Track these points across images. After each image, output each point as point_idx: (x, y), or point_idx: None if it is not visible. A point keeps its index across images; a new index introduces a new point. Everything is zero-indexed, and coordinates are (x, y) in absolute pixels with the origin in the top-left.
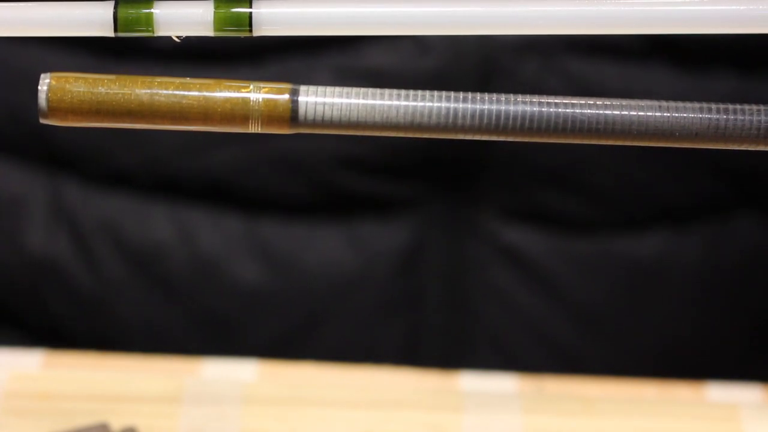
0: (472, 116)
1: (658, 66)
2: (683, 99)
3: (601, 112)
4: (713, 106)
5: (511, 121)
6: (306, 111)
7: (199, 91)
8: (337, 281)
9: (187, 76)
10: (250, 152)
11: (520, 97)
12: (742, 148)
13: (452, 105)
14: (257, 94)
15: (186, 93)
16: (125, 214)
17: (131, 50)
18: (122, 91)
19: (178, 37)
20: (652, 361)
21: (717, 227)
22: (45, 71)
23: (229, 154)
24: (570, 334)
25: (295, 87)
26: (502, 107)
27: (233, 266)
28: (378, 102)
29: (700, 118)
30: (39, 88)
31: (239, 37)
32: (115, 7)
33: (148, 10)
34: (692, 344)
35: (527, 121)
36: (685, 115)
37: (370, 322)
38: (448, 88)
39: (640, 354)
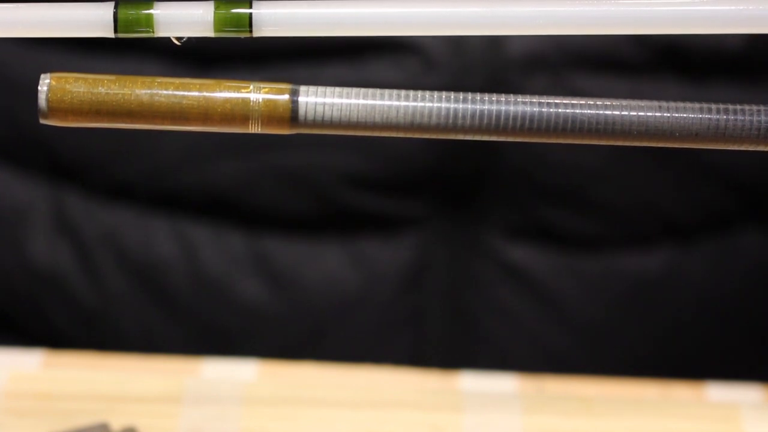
0: (472, 116)
1: (665, 82)
2: None
3: (601, 112)
4: (713, 106)
5: (511, 121)
6: (306, 111)
7: (199, 91)
8: (339, 298)
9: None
10: (253, 167)
11: (520, 97)
12: (742, 148)
13: (452, 105)
14: (257, 94)
15: (186, 93)
16: (127, 227)
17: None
18: (122, 92)
19: (178, 39)
20: (652, 365)
21: (722, 242)
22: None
23: (232, 168)
24: (576, 350)
25: (295, 87)
26: (502, 107)
27: (235, 282)
28: (378, 102)
29: (700, 118)
30: (39, 88)
31: (242, 53)
32: (115, 8)
33: (148, 11)
34: (692, 345)
35: (527, 121)
36: (685, 115)
37: (372, 339)
38: None
39: (641, 362)
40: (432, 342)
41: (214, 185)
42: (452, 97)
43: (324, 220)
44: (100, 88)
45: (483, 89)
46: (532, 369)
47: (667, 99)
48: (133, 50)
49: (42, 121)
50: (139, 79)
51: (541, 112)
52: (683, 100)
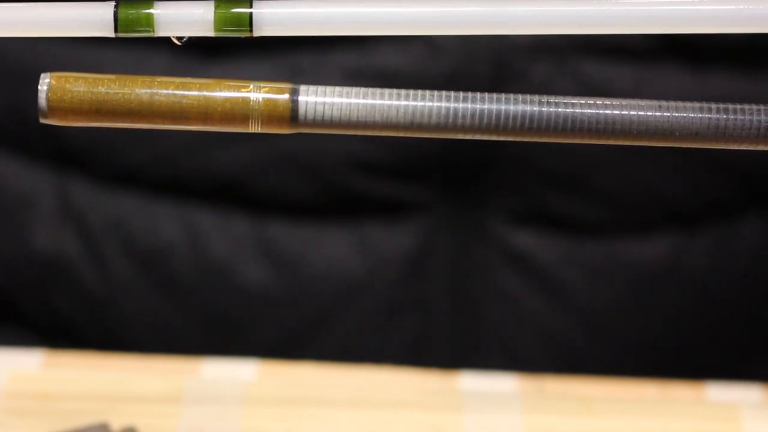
0: (472, 116)
1: (669, 68)
2: (692, 100)
3: (601, 111)
4: (713, 105)
5: (511, 121)
6: (306, 111)
7: (199, 90)
8: (344, 284)
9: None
10: (259, 153)
11: (520, 97)
12: (742, 147)
13: (452, 105)
14: (257, 93)
15: (186, 93)
16: (133, 214)
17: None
18: (122, 91)
19: (179, 39)
20: (652, 361)
21: (725, 230)
22: (53, 68)
23: (238, 155)
24: (577, 337)
25: (295, 87)
26: (502, 107)
27: (240, 268)
28: (378, 102)
29: (700, 117)
30: (39, 87)
31: (247, 40)
32: (116, 8)
33: (148, 11)
34: (692, 344)
35: (527, 121)
36: (685, 114)
37: (376, 325)
38: (459, 90)
39: (641, 354)
40: (436, 326)
41: (220, 171)
42: (452, 96)
43: (328, 205)
44: (100, 88)
45: (488, 74)
46: (533, 355)
47: (670, 84)
48: (138, 41)
49: (42, 121)
50: (139, 79)
51: (541, 112)
52: (687, 86)
